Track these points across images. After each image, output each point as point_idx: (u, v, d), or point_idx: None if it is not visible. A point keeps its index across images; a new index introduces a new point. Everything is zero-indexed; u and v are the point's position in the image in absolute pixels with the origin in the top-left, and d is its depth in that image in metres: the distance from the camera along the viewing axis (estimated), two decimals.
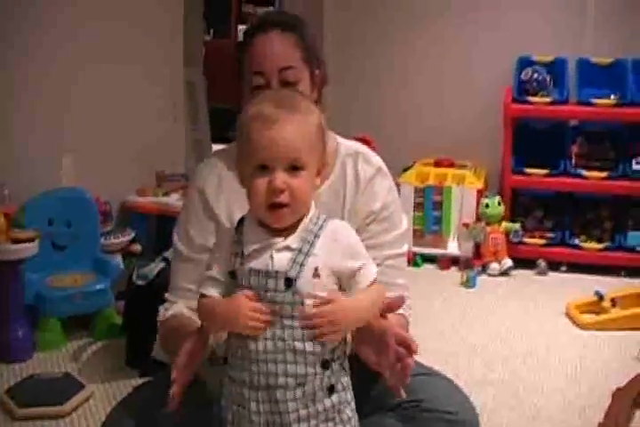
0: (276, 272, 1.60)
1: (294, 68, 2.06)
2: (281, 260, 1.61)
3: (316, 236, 1.63)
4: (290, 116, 1.61)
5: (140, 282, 3.38)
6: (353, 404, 1.70)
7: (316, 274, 1.60)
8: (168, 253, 3.40)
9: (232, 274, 1.65)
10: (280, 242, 1.62)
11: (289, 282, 1.59)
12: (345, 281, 1.64)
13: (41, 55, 4.00)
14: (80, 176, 4.21)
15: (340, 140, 2.22)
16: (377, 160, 2.22)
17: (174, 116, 5.21)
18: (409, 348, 1.70)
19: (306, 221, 1.65)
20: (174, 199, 4.55)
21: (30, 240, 3.45)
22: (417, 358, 2.34)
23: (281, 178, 1.59)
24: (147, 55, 4.84)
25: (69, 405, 2.99)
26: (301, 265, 1.60)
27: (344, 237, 1.66)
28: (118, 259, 4.13)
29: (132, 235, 4.37)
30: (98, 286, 3.69)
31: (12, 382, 3.21)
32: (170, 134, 5.17)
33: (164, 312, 2.14)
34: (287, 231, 1.64)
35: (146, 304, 3.24)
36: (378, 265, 1.77)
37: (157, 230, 4.71)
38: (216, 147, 5.88)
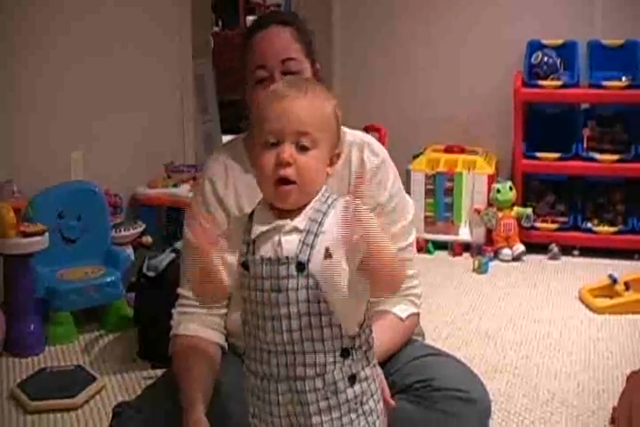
0: (287, 258, 1.58)
1: (295, 59, 2.10)
2: (290, 243, 1.59)
3: (325, 214, 1.61)
4: (302, 95, 1.61)
5: (150, 274, 3.38)
6: (377, 395, 1.69)
7: (327, 255, 1.57)
8: (178, 245, 3.39)
9: (244, 265, 1.64)
10: (287, 224, 1.61)
11: (301, 266, 1.58)
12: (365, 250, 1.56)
13: (43, 49, 3.99)
14: (89, 169, 4.22)
15: (346, 129, 2.24)
16: (382, 151, 2.25)
17: (183, 108, 5.20)
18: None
19: (314, 200, 1.63)
20: (184, 190, 4.55)
21: (40, 234, 3.45)
22: (428, 341, 2.38)
23: (288, 150, 1.58)
24: (155, 47, 4.84)
25: (81, 397, 2.98)
26: (311, 247, 1.58)
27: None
28: (129, 251, 4.13)
29: (143, 227, 4.37)
30: (108, 279, 3.68)
31: (24, 375, 3.20)
32: (179, 126, 5.17)
33: (177, 324, 2.15)
34: (295, 213, 1.62)
35: (156, 296, 3.24)
36: None
37: (168, 222, 4.71)
38: (226, 138, 5.89)
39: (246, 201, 2.12)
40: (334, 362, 1.60)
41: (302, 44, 2.14)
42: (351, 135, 2.23)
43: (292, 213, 1.62)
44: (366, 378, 1.65)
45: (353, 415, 1.62)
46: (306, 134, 1.59)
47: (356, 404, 1.63)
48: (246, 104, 2.17)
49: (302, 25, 2.19)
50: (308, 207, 1.62)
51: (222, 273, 1.63)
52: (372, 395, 1.66)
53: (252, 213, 1.69)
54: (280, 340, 1.59)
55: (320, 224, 1.60)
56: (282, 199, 1.60)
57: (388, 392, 1.88)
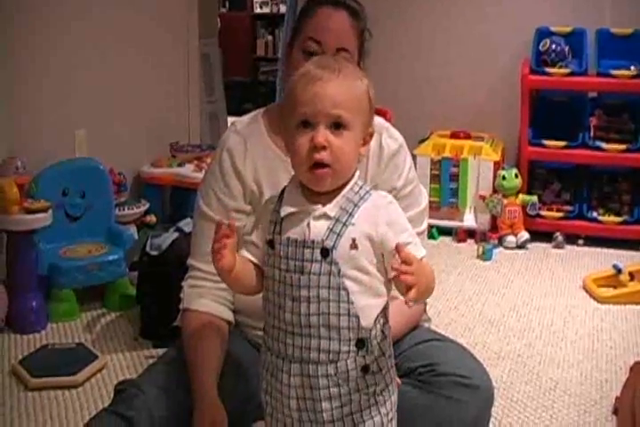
0: (313, 242, 1.59)
1: (350, 52, 2.10)
2: (318, 228, 1.59)
3: (356, 206, 1.61)
4: (335, 76, 1.60)
5: (153, 252, 3.37)
6: (392, 387, 1.69)
7: (353, 245, 1.58)
8: (182, 224, 3.39)
9: (270, 243, 1.64)
10: (318, 209, 1.60)
11: (325, 252, 1.58)
12: (387, 257, 1.60)
13: (53, 28, 3.98)
14: (94, 148, 4.21)
15: None
16: (400, 136, 2.27)
17: (189, 88, 5.18)
18: None
19: (347, 188, 1.63)
20: (189, 170, 4.54)
21: (43, 210, 3.43)
22: (432, 327, 2.38)
23: (323, 134, 1.57)
24: (162, 27, 4.82)
25: (82, 375, 2.98)
26: (338, 235, 1.58)
27: (388, 211, 1.62)
28: (132, 230, 4.12)
29: (147, 206, 4.36)
30: (111, 257, 3.67)
31: (26, 352, 3.20)
32: (184, 106, 5.15)
33: (188, 298, 2.15)
34: (327, 198, 1.62)
35: (159, 275, 3.23)
36: None
37: (171, 201, 4.70)
38: (231, 119, 5.87)
39: (264, 175, 2.13)
40: (349, 351, 1.60)
41: (359, 41, 2.15)
42: None
43: (323, 196, 1.62)
44: (380, 370, 1.65)
45: (364, 405, 1.63)
46: (339, 116, 1.58)
47: (367, 394, 1.63)
48: (288, 72, 2.15)
49: (366, 24, 2.19)
50: (340, 195, 1.62)
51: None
52: (386, 386, 1.66)
53: (282, 192, 1.69)
54: (297, 321, 1.59)
55: (350, 215, 1.60)
56: (317, 182, 1.60)
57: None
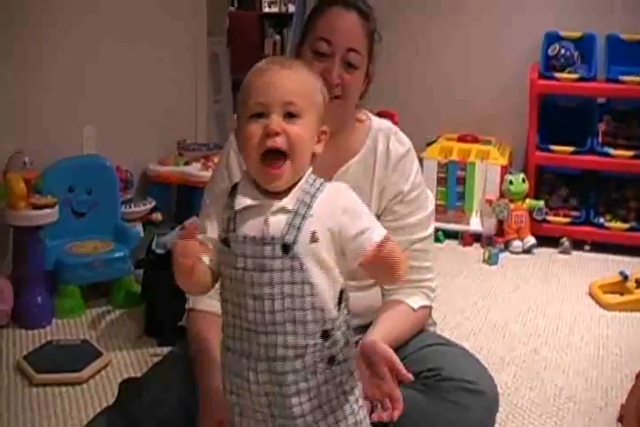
0: (272, 238, 1.56)
1: (360, 53, 2.09)
2: (276, 224, 1.56)
3: (313, 196, 1.59)
4: (287, 70, 1.60)
5: (159, 250, 3.37)
6: (356, 374, 1.68)
7: (313, 239, 1.55)
8: (188, 222, 3.38)
9: (224, 241, 1.61)
10: (275, 203, 1.58)
11: (286, 248, 1.55)
12: (347, 244, 1.58)
13: (62, 24, 3.97)
14: (101, 145, 4.20)
15: (372, 117, 2.27)
16: (408, 141, 2.26)
17: (197, 87, 5.18)
18: (397, 372, 1.81)
19: (302, 181, 1.61)
20: (195, 169, 4.54)
21: (50, 206, 3.43)
22: (437, 331, 2.37)
23: (277, 121, 1.55)
24: (170, 25, 4.81)
25: (87, 372, 2.98)
26: (298, 229, 1.55)
27: (344, 198, 1.60)
28: (138, 227, 4.11)
29: (153, 204, 4.35)
30: (117, 254, 3.66)
31: (31, 348, 3.20)
32: (192, 105, 5.15)
33: (193, 297, 2.13)
34: (282, 194, 1.59)
35: (165, 273, 3.22)
36: (405, 250, 1.73)
37: (178, 199, 4.70)
38: None
39: None
40: (315, 344, 1.58)
41: (369, 45, 2.13)
42: (377, 123, 2.24)
43: (278, 191, 1.60)
44: (345, 359, 1.63)
45: (332, 395, 1.62)
46: (294, 104, 1.57)
47: (334, 384, 1.62)
48: None
49: (375, 26, 2.18)
50: (296, 187, 1.60)
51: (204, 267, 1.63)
52: (351, 374, 1.65)
53: (234, 188, 1.66)
54: (261, 320, 1.57)
55: (309, 207, 1.58)
56: (272, 177, 1.57)
57: (403, 368, 1.86)
